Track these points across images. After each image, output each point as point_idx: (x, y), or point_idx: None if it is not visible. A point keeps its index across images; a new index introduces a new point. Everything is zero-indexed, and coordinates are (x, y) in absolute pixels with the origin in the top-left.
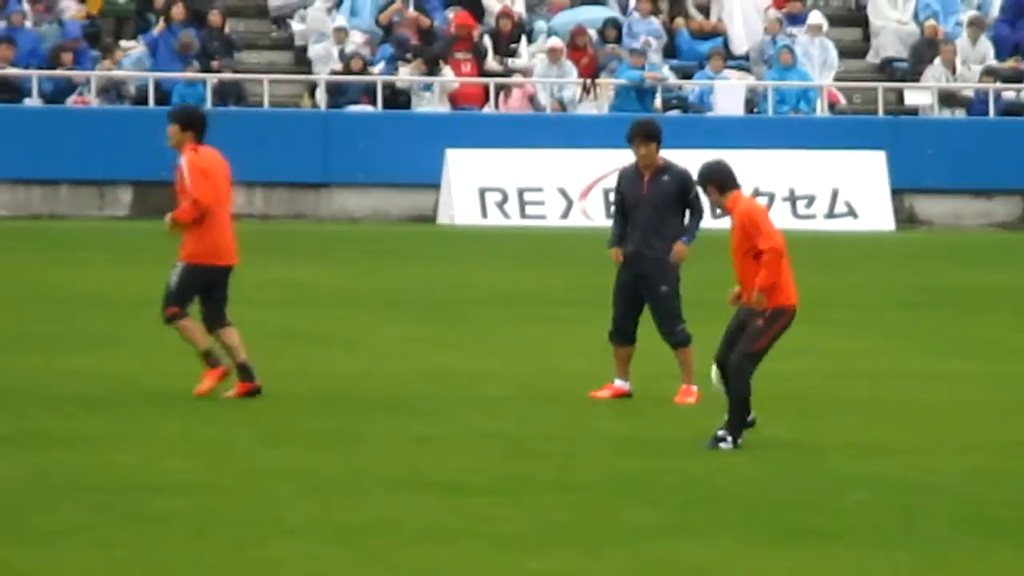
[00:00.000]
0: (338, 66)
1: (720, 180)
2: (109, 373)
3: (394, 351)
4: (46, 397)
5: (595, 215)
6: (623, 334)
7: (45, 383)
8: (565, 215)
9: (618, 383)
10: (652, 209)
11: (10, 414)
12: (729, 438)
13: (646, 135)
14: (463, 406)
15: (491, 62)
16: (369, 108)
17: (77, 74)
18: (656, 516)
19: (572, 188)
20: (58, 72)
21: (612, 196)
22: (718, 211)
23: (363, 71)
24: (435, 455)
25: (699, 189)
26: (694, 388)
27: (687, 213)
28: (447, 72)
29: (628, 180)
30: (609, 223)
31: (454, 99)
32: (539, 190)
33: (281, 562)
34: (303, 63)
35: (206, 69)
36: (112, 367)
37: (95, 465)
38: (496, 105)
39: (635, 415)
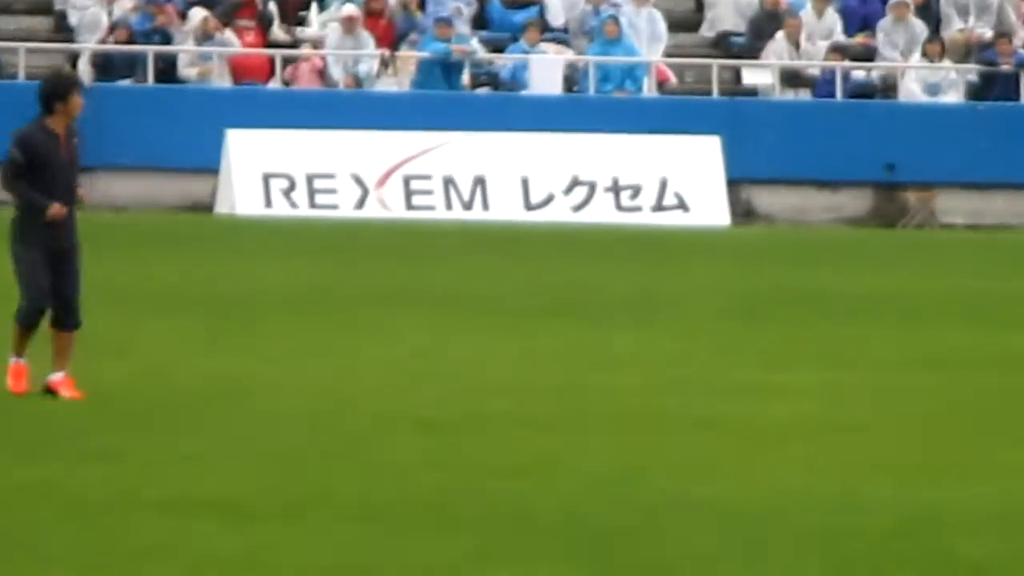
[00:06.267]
0: (105, 34)
1: None
2: None
3: (168, 357)
4: None
5: (394, 205)
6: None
7: None
8: (360, 205)
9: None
10: (70, 170)
11: None
12: None
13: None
14: (243, 420)
15: (277, 31)
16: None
17: None
18: (465, 544)
19: (368, 175)
20: None
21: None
22: None
23: (129, 41)
24: (211, 474)
25: None
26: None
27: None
28: (227, 42)
29: (42, 143)
30: (409, 214)
31: (235, 73)
32: (331, 176)
33: None
34: (64, 30)
35: None
36: None
37: None
38: (283, 80)
39: (436, 432)
